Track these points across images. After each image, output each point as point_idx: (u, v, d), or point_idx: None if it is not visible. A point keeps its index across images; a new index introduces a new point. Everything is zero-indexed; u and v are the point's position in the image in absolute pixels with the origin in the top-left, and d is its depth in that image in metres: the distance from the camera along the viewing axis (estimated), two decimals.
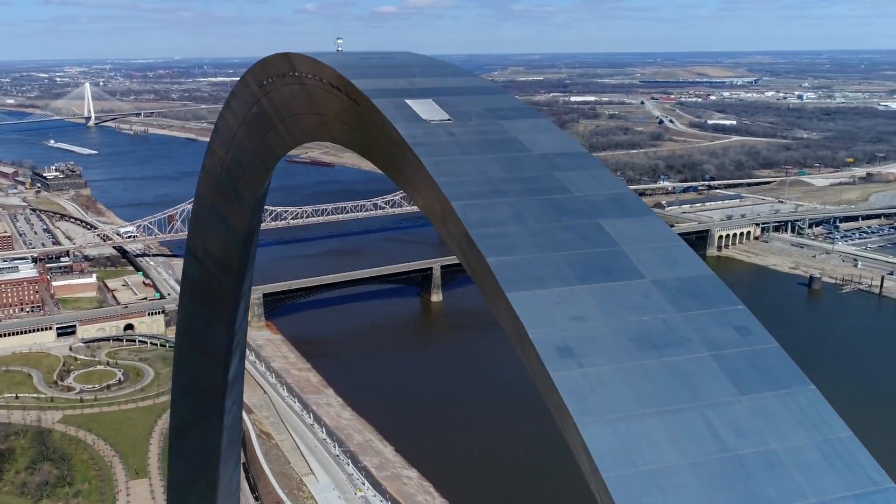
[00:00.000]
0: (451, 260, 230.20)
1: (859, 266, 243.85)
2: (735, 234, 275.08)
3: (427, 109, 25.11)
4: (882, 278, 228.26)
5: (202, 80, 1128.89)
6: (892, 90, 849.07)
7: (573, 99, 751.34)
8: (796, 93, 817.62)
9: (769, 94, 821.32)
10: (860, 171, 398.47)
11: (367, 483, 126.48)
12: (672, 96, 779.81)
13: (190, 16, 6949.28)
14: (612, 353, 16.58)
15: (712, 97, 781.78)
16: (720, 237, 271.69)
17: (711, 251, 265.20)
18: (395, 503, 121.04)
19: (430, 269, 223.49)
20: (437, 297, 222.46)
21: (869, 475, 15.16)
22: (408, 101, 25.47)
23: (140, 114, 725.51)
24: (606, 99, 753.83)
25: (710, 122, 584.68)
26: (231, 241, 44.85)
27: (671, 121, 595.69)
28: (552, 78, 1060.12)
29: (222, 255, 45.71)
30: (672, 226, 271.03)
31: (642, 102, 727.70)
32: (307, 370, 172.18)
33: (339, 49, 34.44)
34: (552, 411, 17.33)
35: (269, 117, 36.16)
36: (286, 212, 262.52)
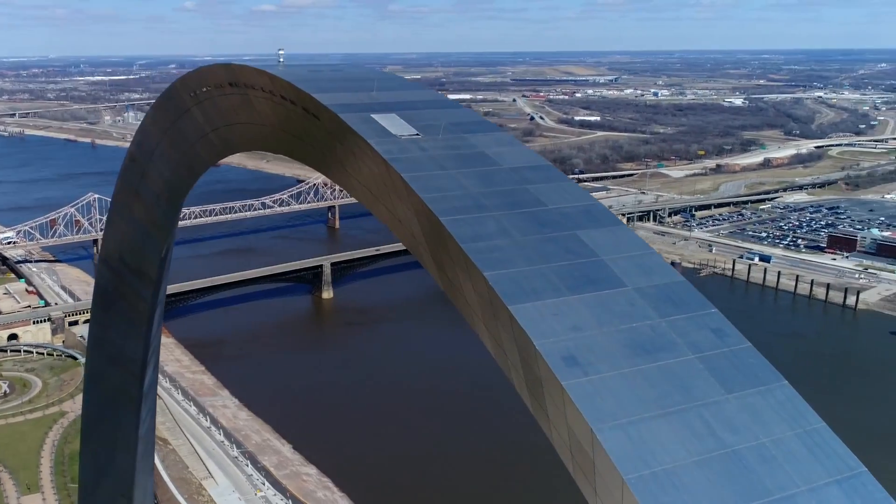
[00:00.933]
0: (341, 257, 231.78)
1: (713, 251, 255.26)
2: None
3: (394, 124, 24.59)
4: (734, 262, 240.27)
5: (79, 79, 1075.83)
6: (734, 87, 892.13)
7: (450, 97, 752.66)
8: (652, 90, 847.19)
9: (628, 91, 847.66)
10: (711, 163, 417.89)
11: (266, 483, 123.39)
12: (541, 94, 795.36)
13: (65, 13, 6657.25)
14: (612, 360, 16.99)
15: (578, 94, 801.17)
16: None
17: None
18: (295, 501, 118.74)
19: (321, 266, 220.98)
20: (328, 293, 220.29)
21: (845, 462, 16.32)
22: (373, 115, 24.91)
23: (15, 114, 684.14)
24: (481, 97, 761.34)
25: (576, 118, 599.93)
26: (150, 249, 43.05)
27: (541, 117, 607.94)
28: (429, 77, 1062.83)
29: (139, 264, 43.88)
30: None
31: (514, 100, 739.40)
32: (201, 372, 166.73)
33: (281, 60, 33.36)
34: (549, 416, 17.38)
35: (201, 126, 34.72)
36: None
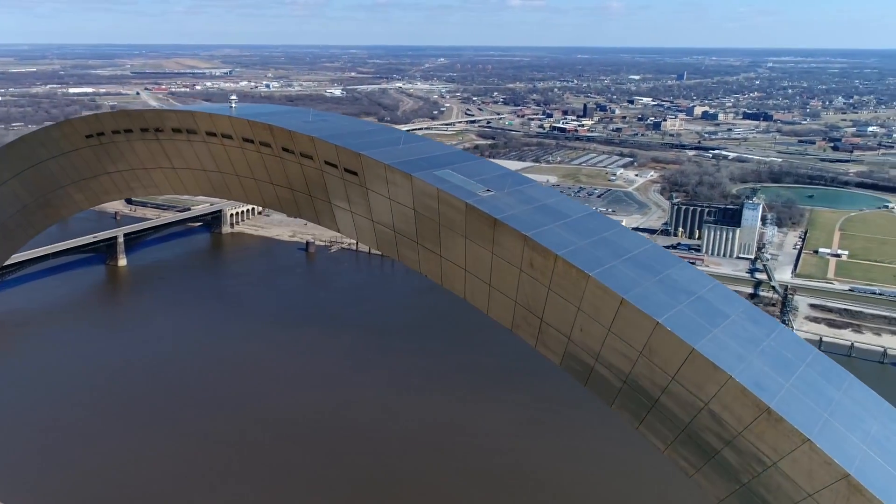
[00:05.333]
0: (133, 228, 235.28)
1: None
2: (243, 212, 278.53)
3: (461, 181, 24.73)
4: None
5: None
6: (332, 79, 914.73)
7: (72, 91, 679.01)
8: (264, 82, 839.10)
9: (243, 83, 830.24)
10: None
11: None
12: (164, 86, 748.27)
13: None
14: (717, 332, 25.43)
15: (198, 87, 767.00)
16: (232, 215, 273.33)
17: (226, 229, 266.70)
18: None
19: (115, 237, 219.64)
20: (123, 261, 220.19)
21: (769, 323, 28.65)
22: (436, 172, 24.48)
23: None
24: (104, 90, 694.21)
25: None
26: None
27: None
28: (45, 69, 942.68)
29: None
30: (188, 209, 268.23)
31: (138, 93, 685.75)
32: None
33: (233, 108, 29.83)
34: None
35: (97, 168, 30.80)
36: None
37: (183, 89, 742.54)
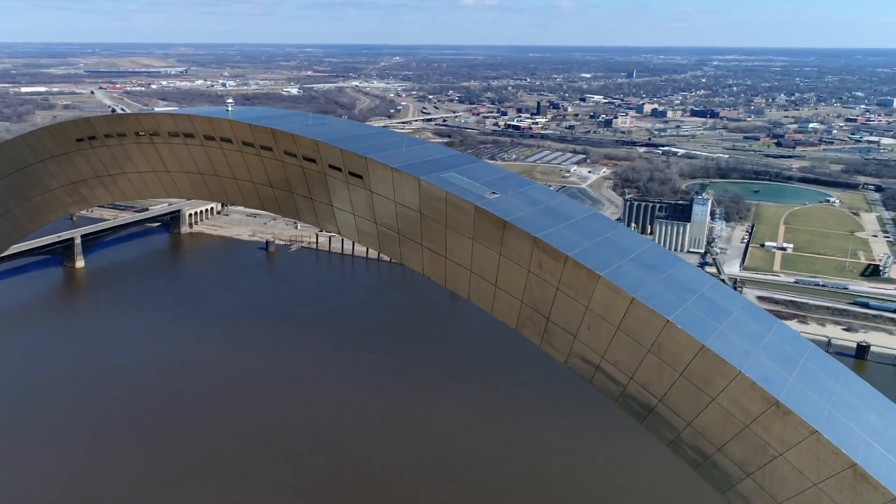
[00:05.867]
0: (90, 229, 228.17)
1: (299, 227, 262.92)
2: (202, 212, 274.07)
3: (467, 183, 24.38)
4: (317, 235, 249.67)
5: None
6: (289, 78, 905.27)
7: (24, 90, 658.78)
8: (220, 81, 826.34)
9: (199, 82, 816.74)
10: None
11: None
12: (118, 85, 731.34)
13: None
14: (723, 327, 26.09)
15: (153, 86, 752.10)
16: (190, 215, 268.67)
17: (185, 229, 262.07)
18: None
19: (73, 238, 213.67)
20: (80, 263, 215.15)
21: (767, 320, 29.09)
22: (442, 175, 24.10)
23: None
24: (57, 89, 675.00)
25: (156, 109, 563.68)
26: None
27: (122, 109, 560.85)
28: None
29: None
30: (146, 209, 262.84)
31: (92, 92, 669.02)
32: None
33: (230, 111, 28.79)
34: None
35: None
36: None
37: (138, 88, 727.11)
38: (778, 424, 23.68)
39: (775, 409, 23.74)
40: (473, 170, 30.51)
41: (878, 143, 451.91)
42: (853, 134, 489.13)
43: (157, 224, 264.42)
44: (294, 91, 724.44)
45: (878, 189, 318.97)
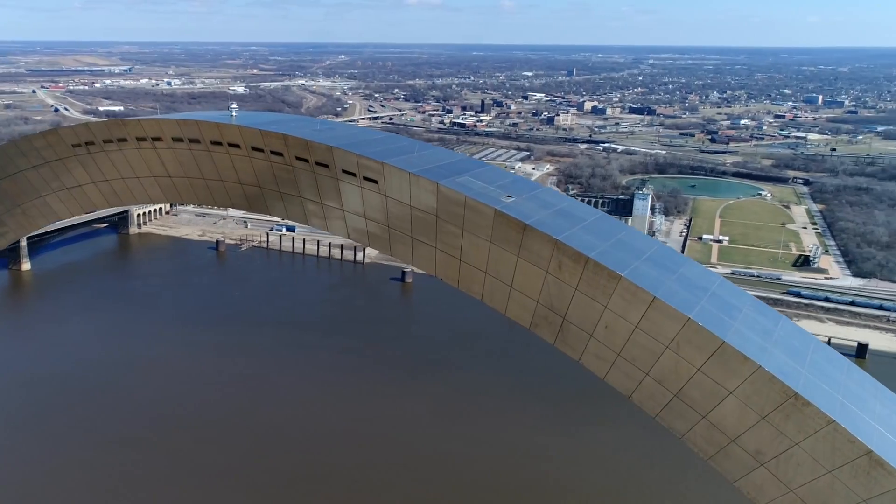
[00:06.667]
0: (36, 232, 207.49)
1: (249, 227, 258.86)
2: (150, 212, 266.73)
3: (482, 187, 23.59)
4: (267, 234, 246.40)
5: None
6: (234, 76, 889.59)
7: None
8: (165, 80, 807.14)
9: (143, 81, 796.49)
10: None
11: None
12: (61, 84, 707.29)
13: None
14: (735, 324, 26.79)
15: (97, 85, 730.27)
16: (138, 215, 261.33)
17: (133, 229, 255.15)
18: None
19: (18, 241, 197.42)
20: (26, 266, 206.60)
21: (774, 316, 30.56)
22: (457, 179, 23.29)
23: None
24: None
25: (100, 108, 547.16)
26: None
27: (66, 108, 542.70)
28: None
29: None
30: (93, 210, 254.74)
31: (34, 91, 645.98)
32: None
33: (234, 115, 27.52)
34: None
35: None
36: None
37: (81, 87, 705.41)
38: (796, 415, 23.99)
39: (794, 400, 24.04)
40: (486, 173, 30.58)
41: (805, 138, 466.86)
42: (782, 130, 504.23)
43: (105, 225, 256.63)
44: (240, 90, 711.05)
45: (807, 182, 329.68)
